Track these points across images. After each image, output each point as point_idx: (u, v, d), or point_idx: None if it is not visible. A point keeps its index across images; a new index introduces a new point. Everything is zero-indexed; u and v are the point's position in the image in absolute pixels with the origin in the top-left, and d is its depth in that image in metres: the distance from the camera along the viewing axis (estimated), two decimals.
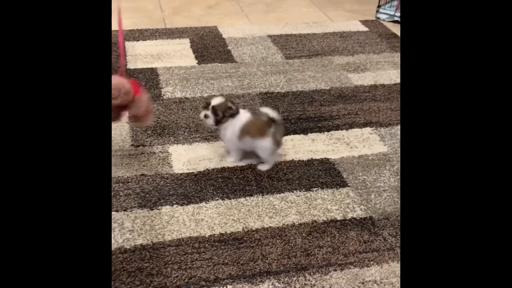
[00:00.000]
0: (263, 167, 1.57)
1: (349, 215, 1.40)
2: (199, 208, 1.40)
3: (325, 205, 1.44)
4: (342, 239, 1.33)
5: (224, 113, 1.52)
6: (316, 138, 1.74)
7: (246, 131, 1.52)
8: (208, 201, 1.43)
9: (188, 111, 1.85)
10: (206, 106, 1.53)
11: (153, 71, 2.11)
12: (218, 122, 1.52)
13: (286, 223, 1.37)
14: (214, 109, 1.51)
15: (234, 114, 1.53)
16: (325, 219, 1.39)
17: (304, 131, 1.77)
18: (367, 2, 3.00)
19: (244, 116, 1.53)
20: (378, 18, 2.78)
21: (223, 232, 1.33)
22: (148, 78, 2.06)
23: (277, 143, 1.53)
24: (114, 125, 1.74)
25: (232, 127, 1.53)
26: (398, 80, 2.13)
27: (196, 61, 2.21)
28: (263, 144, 1.51)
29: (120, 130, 1.72)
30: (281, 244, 1.30)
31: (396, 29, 2.64)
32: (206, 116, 1.53)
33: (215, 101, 1.52)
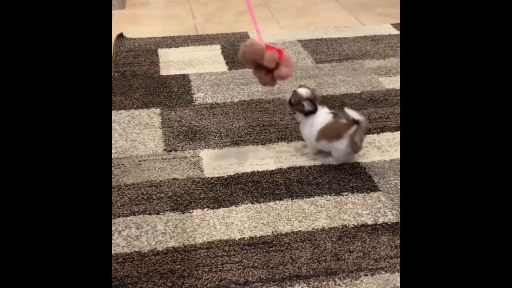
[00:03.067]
0: (334, 161, 1.61)
1: (380, 220, 1.39)
2: (229, 212, 1.42)
3: (355, 209, 1.43)
4: (373, 244, 1.31)
5: (296, 107, 1.60)
6: None
7: (323, 134, 1.56)
8: (238, 204, 1.44)
9: (219, 116, 1.87)
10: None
11: (185, 77, 2.16)
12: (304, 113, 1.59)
13: (316, 227, 1.37)
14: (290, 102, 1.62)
15: (312, 112, 1.57)
16: (355, 223, 1.38)
17: None
18: (399, 5, 2.96)
19: (323, 118, 1.56)
20: None
21: (253, 236, 1.34)
22: (180, 84, 2.10)
23: (355, 146, 1.54)
24: (147, 130, 1.79)
25: (309, 127, 1.58)
26: None
27: (227, 67, 2.24)
28: (338, 146, 1.55)
29: (153, 136, 1.76)
30: (310, 248, 1.30)
31: None
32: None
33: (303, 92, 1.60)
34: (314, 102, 1.58)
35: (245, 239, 1.33)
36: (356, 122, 1.52)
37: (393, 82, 2.10)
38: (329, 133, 1.54)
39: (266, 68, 1.53)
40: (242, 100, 1.98)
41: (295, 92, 1.61)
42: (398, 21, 2.74)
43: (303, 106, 1.57)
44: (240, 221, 1.39)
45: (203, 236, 1.34)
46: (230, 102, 1.97)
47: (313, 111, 1.57)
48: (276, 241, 1.32)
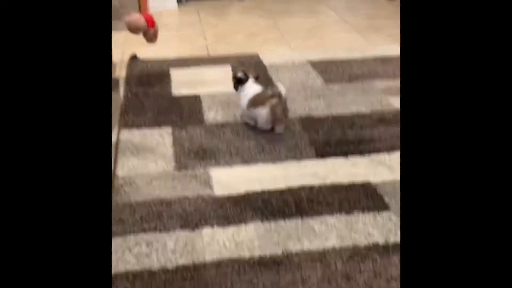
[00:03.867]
0: (259, 126, 1.89)
1: (392, 240, 1.37)
2: (239, 230, 1.42)
3: (366, 229, 1.42)
4: (385, 264, 1.30)
5: (234, 80, 1.95)
6: (357, 162, 1.72)
7: (251, 102, 1.86)
8: (248, 223, 1.44)
9: (229, 135, 1.89)
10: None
11: (196, 97, 2.18)
12: (235, 88, 1.96)
13: (326, 247, 1.36)
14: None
15: (242, 81, 1.92)
16: (366, 243, 1.37)
17: (345, 155, 1.76)
18: None
19: (254, 89, 1.89)
20: None
21: (263, 255, 1.33)
22: (191, 104, 2.12)
23: (274, 114, 1.82)
24: (158, 149, 1.80)
25: (243, 97, 1.90)
26: None
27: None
28: (261, 112, 1.83)
29: (165, 154, 1.78)
30: (321, 268, 1.29)
31: None
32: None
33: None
34: (247, 74, 1.93)
35: (255, 258, 1.32)
36: (279, 95, 1.81)
37: None
38: (255, 101, 1.85)
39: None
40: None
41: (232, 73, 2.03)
42: None
43: (238, 78, 1.93)
44: (250, 240, 1.38)
45: (212, 254, 1.33)
46: (241, 121, 1.98)
47: (245, 79, 1.92)
48: (286, 260, 1.31)
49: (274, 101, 1.81)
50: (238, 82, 1.93)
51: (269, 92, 1.86)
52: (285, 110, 1.85)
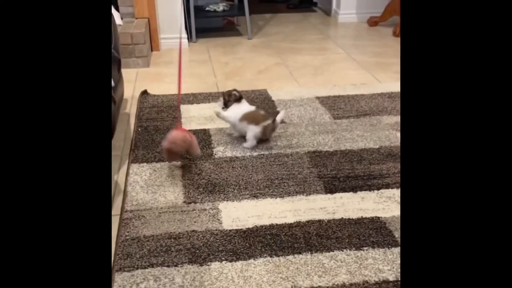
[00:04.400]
0: (246, 144, 2.05)
1: None
2: (247, 265, 1.40)
3: (376, 265, 1.40)
4: None
5: (229, 98, 2.10)
6: (365, 197, 1.72)
7: (245, 117, 2.03)
8: (256, 258, 1.43)
9: (238, 169, 1.90)
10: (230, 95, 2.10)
11: (205, 132, 2.21)
12: (225, 104, 2.12)
13: (336, 283, 1.34)
14: (223, 95, 2.13)
15: (238, 99, 2.09)
16: (377, 279, 1.35)
17: (354, 189, 1.76)
18: None
19: (249, 107, 2.09)
20: None
21: None
22: (201, 139, 2.15)
23: (264, 133, 2.03)
24: (168, 183, 1.81)
25: (236, 110, 2.06)
26: None
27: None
28: (253, 128, 2.01)
29: (174, 188, 1.79)
30: None
31: None
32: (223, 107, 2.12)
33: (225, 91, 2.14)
34: (241, 94, 2.11)
35: None
36: (273, 119, 2.02)
37: None
38: (250, 117, 2.03)
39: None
40: (261, 154, 2.01)
41: (225, 92, 2.14)
42: None
43: (234, 95, 2.08)
44: (259, 275, 1.37)
45: None
46: (249, 155, 2.00)
47: (241, 97, 2.10)
48: None
49: (267, 122, 2.02)
50: (235, 100, 2.09)
51: (263, 112, 2.10)
52: (273, 131, 2.09)
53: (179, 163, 1.94)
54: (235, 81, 2.86)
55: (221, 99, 2.15)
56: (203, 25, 3.89)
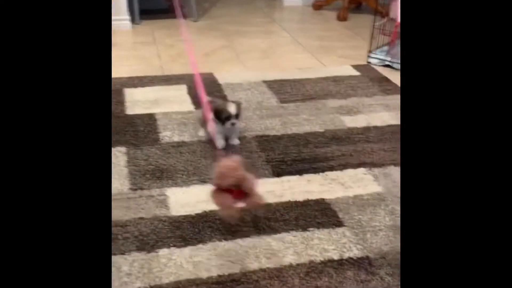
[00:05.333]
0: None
1: (346, 255, 1.41)
2: (196, 250, 1.41)
3: (322, 245, 1.45)
4: (340, 279, 1.33)
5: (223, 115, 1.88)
6: (311, 179, 1.77)
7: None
8: (205, 242, 1.44)
9: (186, 155, 1.88)
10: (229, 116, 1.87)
11: (151, 117, 2.17)
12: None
13: (283, 264, 1.37)
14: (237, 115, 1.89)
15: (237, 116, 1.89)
16: (322, 259, 1.40)
17: (300, 172, 1.80)
18: (359, 48, 3.11)
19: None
20: (369, 62, 2.88)
21: (221, 274, 1.33)
22: (147, 123, 2.11)
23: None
24: (113, 169, 1.77)
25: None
26: (390, 122, 2.19)
27: (194, 106, 2.27)
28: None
29: (119, 174, 1.75)
30: (278, 285, 1.30)
31: (387, 73, 2.73)
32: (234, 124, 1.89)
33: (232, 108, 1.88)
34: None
35: (213, 277, 1.32)
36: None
37: (355, 121, 2.19)
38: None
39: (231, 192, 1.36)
40: (209, 139, 2.00)
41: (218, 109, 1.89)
42: (358, 62, 2.87)
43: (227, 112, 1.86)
44: (208, 259, 1.38)
45: (170, 276, 1.32)
46: (197, 140, 1.99)
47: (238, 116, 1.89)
48: (244, 278, 1.32)
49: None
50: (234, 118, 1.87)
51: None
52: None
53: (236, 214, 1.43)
54: (181, 64, 2.81)
55: (234, 121, 1.88)
56: (147, 6, 3.77)
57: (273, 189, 1.70)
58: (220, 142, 1.92)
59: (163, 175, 1.76)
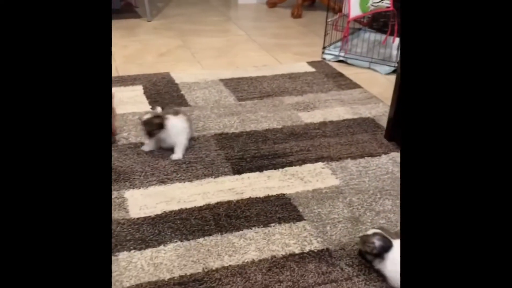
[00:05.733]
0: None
1: (307, 248, 1.43)
2: (157, 252, 1.39)
3: (283, 239, 1.47)
4: (301, 272, 1.35)
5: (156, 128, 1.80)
6: (271, 175, 1.78)
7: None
8: (166, 244, 1.42)
9: (143, 156, 1.86)
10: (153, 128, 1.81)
11: None
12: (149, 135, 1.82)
13: (246, 261, 1.38)
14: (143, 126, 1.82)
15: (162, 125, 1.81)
16: (284, 253, 1.41)
17: (260, 169, 1.81)
18: (313, 44, 3.16)
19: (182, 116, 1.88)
20: (324, 58, 2.93)
21: (183, 274, 1.32)
22: None
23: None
24: None
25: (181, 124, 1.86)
26: (346, 117, 2.23)
27: (150, 107, 2.23)
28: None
29: None
30: (241, 282, 1.31)
31: (341, 68, 2.79)
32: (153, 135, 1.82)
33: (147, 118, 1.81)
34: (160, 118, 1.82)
35: (175, 278, 1.31)
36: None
37: (311, 117, 2.22)
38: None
39: None
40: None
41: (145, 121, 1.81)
42: (313, 59, 2.91)
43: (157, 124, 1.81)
44: (169, 261, 1.36)
45: (130, 279, 1.30)
46: None
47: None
48: (207, 277, 1.31)
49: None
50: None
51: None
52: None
53: None
54: (136, 64, 2.76)
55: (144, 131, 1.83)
56: None
57: (233, 187, 1.70)
58: (146, 147, 1.89)
59: (120, 177, 1.72)
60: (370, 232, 1.33)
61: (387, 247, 1.28)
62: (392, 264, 1.27)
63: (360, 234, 1.41)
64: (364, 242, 1.32)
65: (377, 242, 1.28)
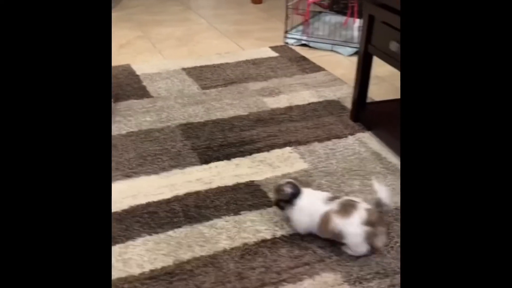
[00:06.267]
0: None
1: (278, 233, 1.43)
2: (126, 248, 1.36)
3: (254, 226, 1.45)
4: (274, 257, 1.34)
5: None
6: (239, 163, 1.76)
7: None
8: (134, 239, 1.39)
9: None
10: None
11: None
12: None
13: (217, 250, 1.36)
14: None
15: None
16: (255, 240, 1.40)
17: (227, 157, 1.79)
18: (275, 29, 3.14)
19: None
20: (287, 43, 2.92)
21: (153, 268, 1.29)
22: None
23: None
24: None
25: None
26: (311, 100, 2.23)
27: (112, 100, 2.17)
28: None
29: None
30: (214, 271, 1.29)
31: (304, 52, 2.78)
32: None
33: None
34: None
35: (146, 273, 1.28)
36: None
37: (277, 102, 2.21)
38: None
39: None
40: (130, 132, 1.93)
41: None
42: (275, 44, 2.89)
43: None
44: (139, 255, 1.33)
45: None
46: (118, 134, 1.91)
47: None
48: (178, 270, 1.29)
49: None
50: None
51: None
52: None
53: None
54: None
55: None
56: None
57: (201, 177, 1.68)
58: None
59: None
60: (283, 181, 1.41)
61: (296, 193, 1.38)
62: (298, 211, 1.37)
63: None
64: (278, 191, 1.40)
65: (288, 190, 1.38)
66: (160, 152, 1.81)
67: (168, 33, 3.10)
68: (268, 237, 1.41)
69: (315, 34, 2.91)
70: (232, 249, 1.37)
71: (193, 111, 2.10)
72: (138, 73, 2.46)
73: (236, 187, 1.63)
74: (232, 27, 3.23)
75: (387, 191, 1.33)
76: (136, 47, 2.85)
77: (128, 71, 2.48)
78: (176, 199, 1.56)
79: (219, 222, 1.47)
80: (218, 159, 1.78)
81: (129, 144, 1.85)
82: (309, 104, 2.20)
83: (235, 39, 3.00)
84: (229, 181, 1.66)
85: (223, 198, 1.57)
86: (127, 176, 1.67)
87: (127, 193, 1.58)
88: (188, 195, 1.58)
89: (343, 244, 1.33)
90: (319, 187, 1.62)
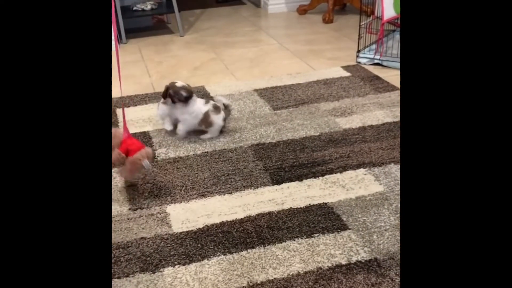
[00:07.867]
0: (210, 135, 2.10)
1: (354, 259, 1.39)
2: (201, 266, 1.38)
3: (328, 250, 1.43)
4: (350, 284, 1.31)
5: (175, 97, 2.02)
6: (311, 184, 1.75)
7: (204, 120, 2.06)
8: (210, 258, 1.41)
9: (183, 170, 1.86)
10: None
11: (145, 135, 2.15)
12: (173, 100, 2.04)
13: (291, 273, 1.35)
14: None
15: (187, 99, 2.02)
16: (330, 265, 1.37)
17: (299, 178, 1.78)
18: (347, 48, 3.11)
19: (203, 105, 2.06)
20: (359, 62, 2.88)
21: None
22: (142, 142, 2.08)
23: (224, 124, 2.10)
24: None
25: (189, 113, 2.03)
26: (386, 120, 2.17)
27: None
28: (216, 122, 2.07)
29: (117, 195, 1.72)
30: None
31: (378, 71, 2.73)
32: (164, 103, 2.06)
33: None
34: (190, 90, 2.02)
35: None
36: (225, 106, 2.09)
37: (350, 122, 2.17)
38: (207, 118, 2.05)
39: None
40: (205, 152, 1.98)
41: (170, 86, 2.01)
42: (347, 63, 2.86)
43: (181, 95, 1.99)
44: (214, 275, 1.35)
45: None
46: (193, 154, 1.97)
47: (190, 96, 2.01)
48: None
49: (222, 114, 2.08)
50: (186, 101, 2.01)
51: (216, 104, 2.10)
52: (227, 118, 2.13)
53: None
54: (171, 79, 2.79)
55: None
56: (132, 25, 3.76)
57: (273, 197, 1.68)
58: (167, 126, 2.08)
59: (161, 192, 1.73)
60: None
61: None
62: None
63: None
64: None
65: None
66: (233, 172, 1.84)
67: (240, 54, 3.17)
68: (343, 262, 1.38)
69: (388, 53, 2.85)
70: (305, 273, 1.35)
71: (264, 132, 2.12)
72: (212, 94, 2.54)
73: (309, 209, 1.61)
74: (303, 47, 3.24)
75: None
76: (210, 69, 2.95)
77: (202, 92, 2.56)
78: (249, 219, 1.57)
79: (292, 244, 1.46)
80: (290, 179, 1.78)
81: (204, 164, 1.90)
82: (383, 124, 2.14)
83: (306, 59, 3.01)
84: (301, 203, 1.64)
85: (295, 220, 1.56)
86: (202, 195, 1.71)
87: (202, 212, 1.62)
88: (260, 215, 1.59)
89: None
90: (396, 212, 1.57)
